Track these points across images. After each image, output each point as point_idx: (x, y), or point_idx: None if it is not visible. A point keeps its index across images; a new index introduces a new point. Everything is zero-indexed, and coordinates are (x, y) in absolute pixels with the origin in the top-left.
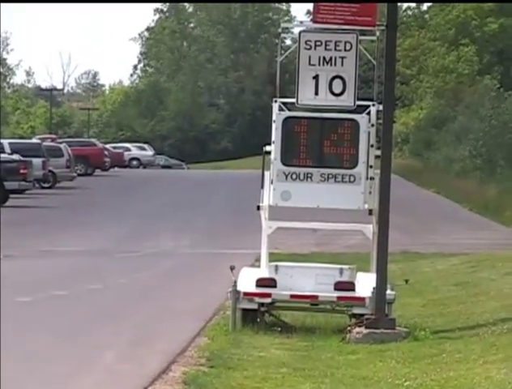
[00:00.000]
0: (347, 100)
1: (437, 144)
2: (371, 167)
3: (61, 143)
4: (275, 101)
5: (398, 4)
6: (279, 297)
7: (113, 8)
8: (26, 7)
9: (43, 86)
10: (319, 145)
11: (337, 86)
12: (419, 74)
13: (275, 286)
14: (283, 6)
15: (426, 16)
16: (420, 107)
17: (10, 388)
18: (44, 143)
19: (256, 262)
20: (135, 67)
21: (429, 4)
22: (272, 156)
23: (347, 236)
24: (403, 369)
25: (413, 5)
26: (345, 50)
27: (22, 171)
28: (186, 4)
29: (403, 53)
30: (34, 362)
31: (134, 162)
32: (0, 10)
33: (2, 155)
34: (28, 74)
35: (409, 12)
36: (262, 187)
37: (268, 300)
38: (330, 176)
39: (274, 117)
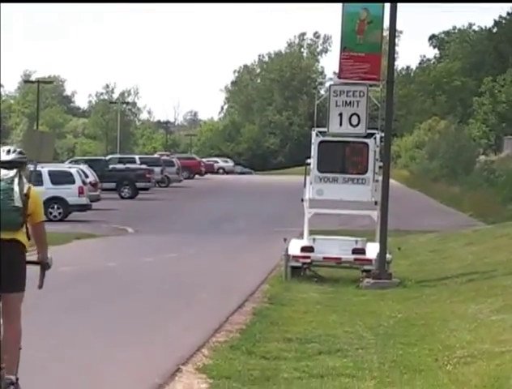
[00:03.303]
0: (361, 129)
1: (419, 159)
2: (376, 173)
3: (173, 157)
4: (314, 130)
5: (395, 66)
6: (316, 259)
7: (208, 68)
8: (149, 64)
9: (161, 120)
10: (342, 159)
11: (354, 120)
12: (407, 114)
13: (313, 251)
14: (319, 68)
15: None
16: (409, 134)
17: (141, 314)
18: (162, 158)
19: (300, 236)
20: (222, 108)
21: (416, 65)
22: (311, 166)
23: (359, 219)
24: (397, 306)
25: (405, 66)
26: (359, 97)
27: (147, 176)
28: (255, 67)
29: (397, 100)
30: (154, 298)
31: (221, 170)
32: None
33: (134, 165)
34: (150, 112)
35: (402, 72)
36: (305, 186)
37: (308, 260)
38: (350, 179)
39: (312, 141)
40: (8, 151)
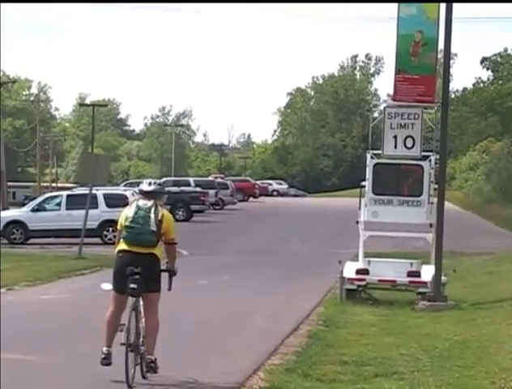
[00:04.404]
0: (416, 151)
1: (473, 181)
2: (431, 196)
3: (227, 180)
4: (368, 152)
5: (449, 88)
6: (371, 281)
7: (261, 91)
8: (204, 87)
9: (215, 143)
10: (397, 181)
11: (409, 142)
12: (461, 135)
13: (368, 273)
14: (373, 91)
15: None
16: (462, 155)
17: (196, 336)
18: (216, 180)
19: (355, 258)
20: (275, 131)
21: (468, 88)
22: (366, 188)
23: (413, 240)
24: (452, 328)
25: (460, 87)
26: (414, 119)
27: (202, 198)
28: (308, 90)
29: (450, 121)
30: (208, 321)
31: (275, 192)
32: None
33: (189, 188)
34: (205, 135)
35: (456, 93)
36: (360, 209)
37: (363, 283)
38: (405, 201)
39: (367, 163)
40: (150, 184)
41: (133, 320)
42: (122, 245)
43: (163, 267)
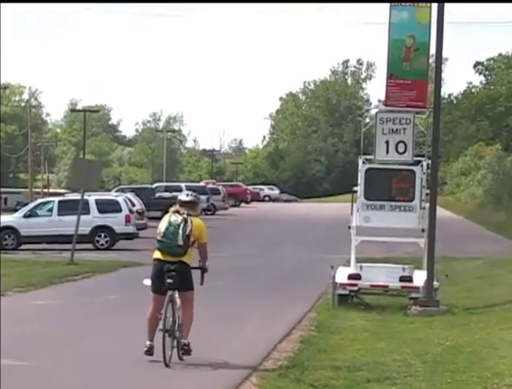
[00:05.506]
0: (408, 156)
1: (464, 186)
2: (423, 200)
3: (218, 185)
4: (360, 158)
5: (441, 93)
6: (363, 286)
7: (252, 96)
8: (195, 93)
9: (206, 148)
10: (389, 186)
11: (401, 147)
12: (452, 140)
13: (360, 279)
14: (364, 96)
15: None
16: (454, 160)
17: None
18: (208, 186)
19: (347, 263)
20: (264, 137)
21: (460, 92)
22: (358, 193)
23: (405, 245)
24: (445, 333)
25: (451, 92)
26: (406, 124)
27: None
28: (300, 95)
29: (442, 125)
30: (202, 325)
31: (266, 198)
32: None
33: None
34: (195, 141)
35: (444, 99)
36: (352, 214)
37: (355, 288)
38: (396, 206)
39: (359, 168)
40: (187, 194)
41: (169, 310)
42: (157, 254)
43: (195, 265)
